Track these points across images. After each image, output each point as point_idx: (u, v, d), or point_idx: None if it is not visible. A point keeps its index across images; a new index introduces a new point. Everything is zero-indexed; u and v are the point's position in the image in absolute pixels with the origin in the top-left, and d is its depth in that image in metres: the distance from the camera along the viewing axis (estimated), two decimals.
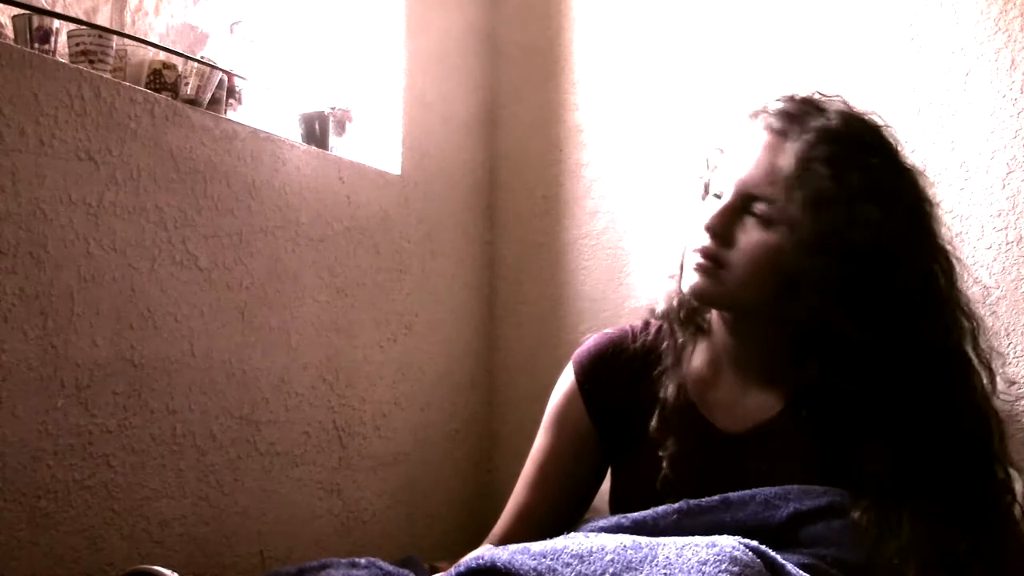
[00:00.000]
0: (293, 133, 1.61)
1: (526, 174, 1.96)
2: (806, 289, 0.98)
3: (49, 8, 1.35)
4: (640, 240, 1.82)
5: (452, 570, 0.87)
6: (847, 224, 0.96)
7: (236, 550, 1.33)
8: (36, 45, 1.21)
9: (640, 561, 0.82)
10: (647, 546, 0.84)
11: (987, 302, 1.43)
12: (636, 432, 1.10)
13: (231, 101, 1.49)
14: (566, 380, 1.20)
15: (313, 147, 1.55)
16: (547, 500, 1.15)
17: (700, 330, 1.13)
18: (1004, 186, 1.44)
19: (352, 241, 1.58)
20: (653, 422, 1.08)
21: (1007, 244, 1.43)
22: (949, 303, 1.02)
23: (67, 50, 1.26)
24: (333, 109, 1.67)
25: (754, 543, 0.87)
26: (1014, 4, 1.47)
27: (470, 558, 0.88)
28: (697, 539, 0.85)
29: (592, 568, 0.82)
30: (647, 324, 1.19)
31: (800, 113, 1.04)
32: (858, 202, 0.97)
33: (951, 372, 0.99)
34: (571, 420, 1.17)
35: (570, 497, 1.16)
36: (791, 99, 1.08)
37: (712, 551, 0.82)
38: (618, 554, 0.84)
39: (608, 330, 1.23)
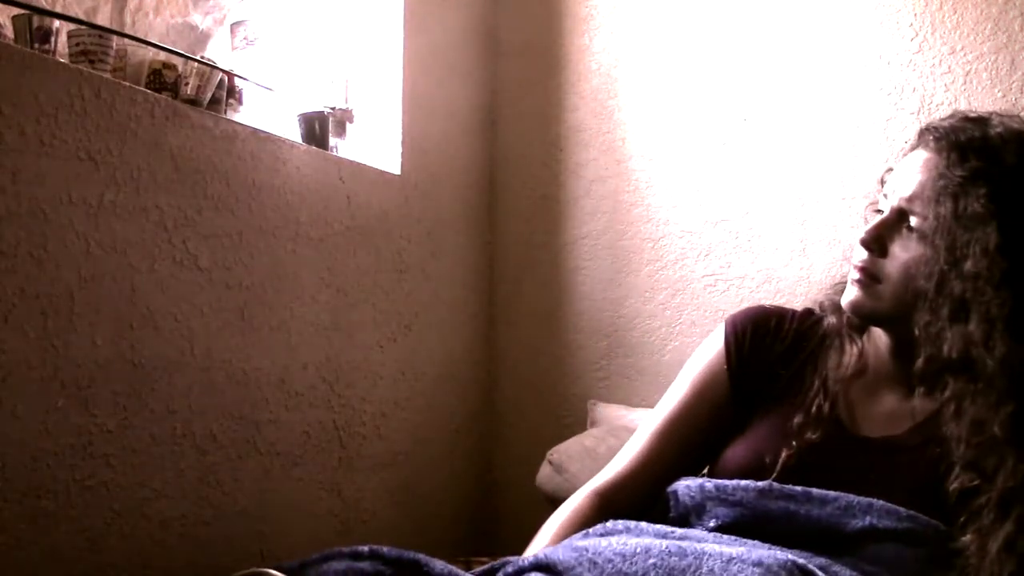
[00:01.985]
0: (293, 133, 1.61)
1: (526, 174, 1.96)
2: (954, 306, 0.97)
3: (49, 8, 1.35)
4: (640, 240, 1.82)
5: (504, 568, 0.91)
6: (995, 242, 0.96)
7: (236, 550, 1.33)
8: (36, 45, 1.21)
9: (683, 570, 0.82)
10: (692, 555, 0.84)
11: None
12: (762, 408, 1.10)
13: (231, 101, 1.49)
14: (716, 338, 1.18)
15: (313, 147, 1.55)
16: (670, 452, 1.14)
17: (857, 332, 1.13)
18: None
19: (352, 241, 1.58)
20: (791, 407, 1.08)
21: None
22: None
23: (67, 50, 1.26)
24: (333, 109, 1.67)
25: (802, 562, 0.85)
26: (1014, 4, 1.47)
27: (518, 557, 0.90)
28: (746, 553, 0.84)
29: (633, 569, 0.82)
30: (810, 312, 1.18)
31: (960, 129, 1.03)
32: (1010, 220, 0.96)
33: None
34: (711, 379, 1.15)
35: (692, 454, 1.14)
36: (956, 116, 1.07)
37: (757, 570, 0.81)
38: (662, 559, 0.83)
39: (768, 304, 1.24)
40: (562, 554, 0.87)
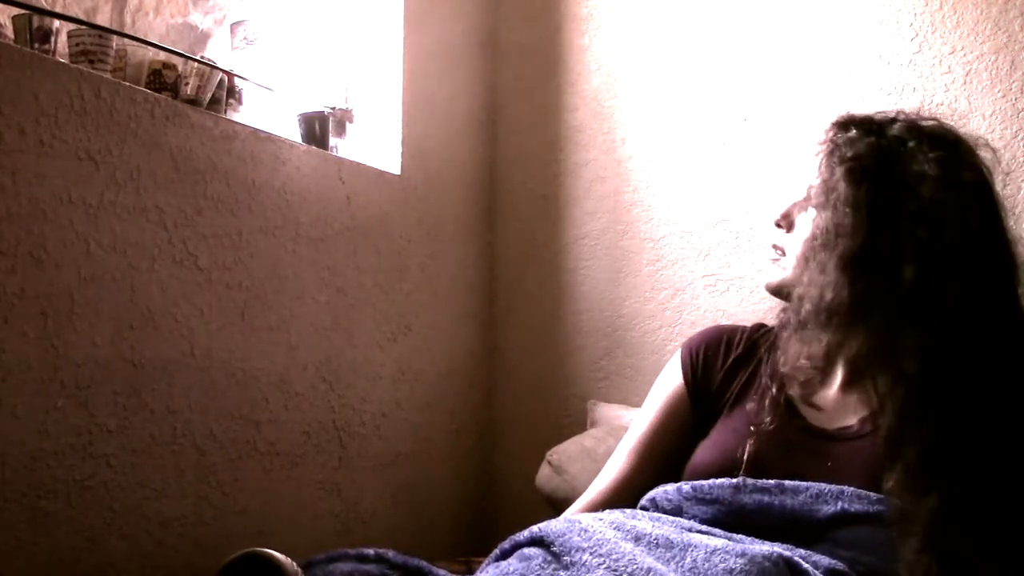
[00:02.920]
0: (293, 133, 1.61)
1: (526, 174, 1.96)
2: (818, 258, 1.05)
3: (49, 8, 1.35)
4: (639, 240, 1.82)
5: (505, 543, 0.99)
6: (849, 195, 1.04)
7: (236, 550, 1.33)
8: (36, 45, 1.21)
9: (668, 560, 0.86)
10: (678, 546, 0.87)
11: None
12: (723, 412, 1.17)
13: (231, 101, 1.49)
14: (675, 364, 1.27)
15: (313, 147, 1.55)
16: (647, 467, 1.21)
17: (803, 329, 1.18)
18: (1004, 186, 1.44)
19: (352, 241, 1.58)
20: (748, 405, 1.14)
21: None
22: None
23: (67, 50, 1.26)
24: (333, 109, 1.67)
25: (788, 554, 0.88)
26: (1014, 4, 1.47)
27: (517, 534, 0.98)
28: (731, 545, 0.86)
29: (619, 563, 0.84)
30: (761, 325, 1.27)
31: (858, 120, 1.12)
32: (869, 178, 1.04)
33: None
34: (675, 400, 1.24)
35: (666, 467, 1.21)
36: (853, 114, 1.17)
37: (741, 560, 0.83)
38: (650, 547, 0.88)
39: (722, 324, 1.35)
40: (555, 525, 0.94)
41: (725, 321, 1.64)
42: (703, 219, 1.75)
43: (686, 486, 1.07)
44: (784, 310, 1.18)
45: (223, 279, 1.33)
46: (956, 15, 1.52)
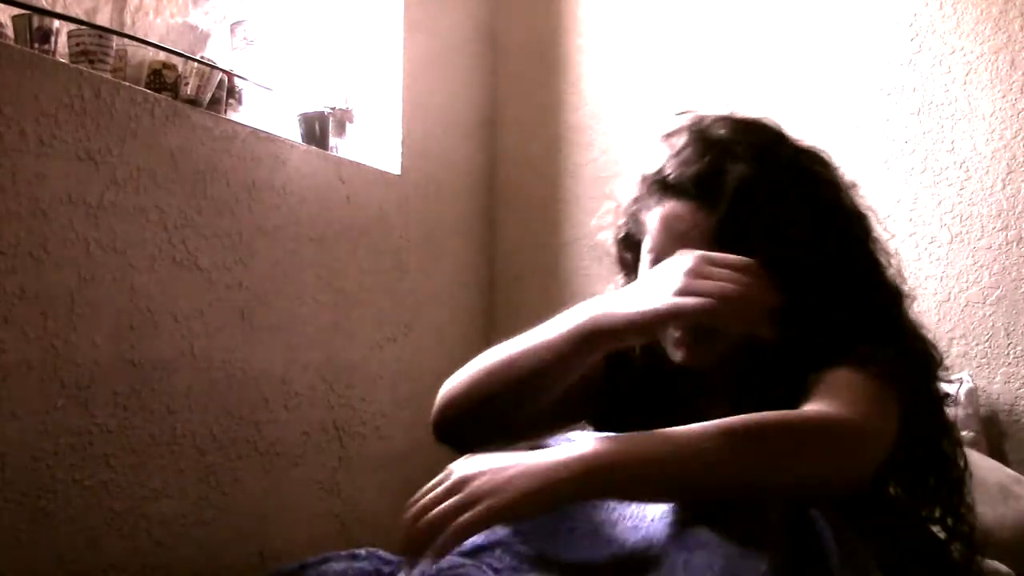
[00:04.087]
0: (293, 133, 1.61)
1: (526, 174, 1.96)
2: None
3: (49, 8, 1.35)
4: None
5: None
6: (794, 240, 0.96)
7: (236, 550, 1.33)
8: (36, 45, 1.21)
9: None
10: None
11: (987, 302, 1.43)
12: None
13: (231, 101, 1.49)
14: None
15: (313, 147, 1.55)
16: None
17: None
18: (1004, 186, 1.45)
19: (352, 241, 1.58)
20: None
21: (1007, 244, 1.43)
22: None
23: (67, 50, 1.26)
24: (333, 109, 1.67)
25: None
26: (1014, 4, 1.47)
27: None
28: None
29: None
30: None
31: (707, 173, 1.00)
32: (795, 215, 0.97)
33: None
34: None
35: None
36: (683, 157, 1.03)
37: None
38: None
39: None
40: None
41: None
42: None
43: None
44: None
45: (223, 279, 1.33)
46: (956, 15, 1.52)
